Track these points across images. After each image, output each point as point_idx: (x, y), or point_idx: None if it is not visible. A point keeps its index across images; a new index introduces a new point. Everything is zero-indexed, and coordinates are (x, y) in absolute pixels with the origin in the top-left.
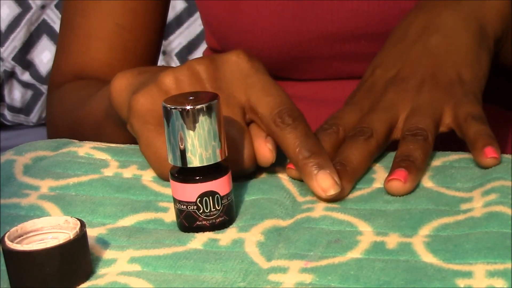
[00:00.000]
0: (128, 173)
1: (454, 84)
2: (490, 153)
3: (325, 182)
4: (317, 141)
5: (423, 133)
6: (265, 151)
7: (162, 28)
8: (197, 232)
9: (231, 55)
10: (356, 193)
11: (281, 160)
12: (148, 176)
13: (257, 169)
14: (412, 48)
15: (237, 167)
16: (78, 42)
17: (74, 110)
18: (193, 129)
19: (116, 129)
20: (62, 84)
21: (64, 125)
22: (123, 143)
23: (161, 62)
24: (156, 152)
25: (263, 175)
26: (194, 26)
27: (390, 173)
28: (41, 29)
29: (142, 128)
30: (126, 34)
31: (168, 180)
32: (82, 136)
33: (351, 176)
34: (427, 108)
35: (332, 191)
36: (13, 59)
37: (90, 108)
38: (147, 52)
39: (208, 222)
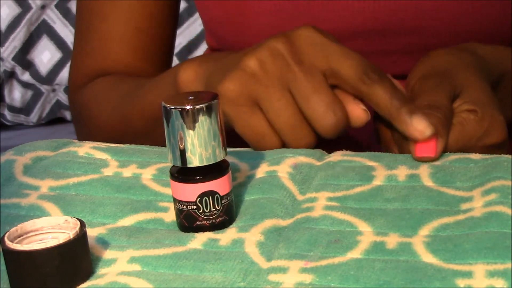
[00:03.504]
0: (128, 172)
1: None
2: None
3: (420, 124)
4: (403, 92)
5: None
6: (359, 112)
7: (175, 27)
8: (197, 232)
9: (301, 30)
10: (356, 189)
11: (279, 160)
12: (148, 175)
13: (257, 169)
14: None
15: (335, 130)
16: (98, 45)
17: (122, 107)
18: (193, 128)
19: None
20: (85, 84)
21: (109, 122)
22: None
23: None
24: (255, 130)
25: (263, 175)
26: (194, 26)
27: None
28: (41, 29)
29: (236, 112)
30: (144, 36)
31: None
32: (134, 131)
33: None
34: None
35: (428, 132)
36: (13, 59)
37: (144, 104)
38: (163, 50)
39: (208, 222)
